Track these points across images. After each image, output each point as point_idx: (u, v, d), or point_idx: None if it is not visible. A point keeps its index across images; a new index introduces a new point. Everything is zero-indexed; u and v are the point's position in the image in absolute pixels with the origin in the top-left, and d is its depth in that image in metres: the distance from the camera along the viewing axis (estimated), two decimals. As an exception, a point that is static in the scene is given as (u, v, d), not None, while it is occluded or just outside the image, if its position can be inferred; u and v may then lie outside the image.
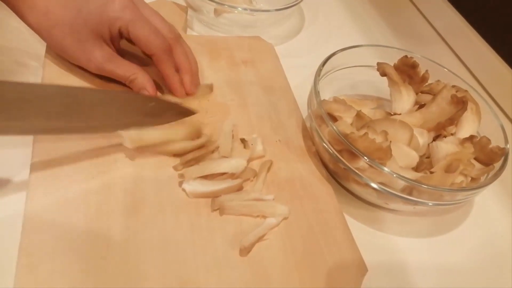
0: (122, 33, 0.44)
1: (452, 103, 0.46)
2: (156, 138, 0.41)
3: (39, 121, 0.36)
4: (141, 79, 0.45)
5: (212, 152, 0.43)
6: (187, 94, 0.48)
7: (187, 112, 0.44)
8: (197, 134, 0.43)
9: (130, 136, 0.40)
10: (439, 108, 0.46)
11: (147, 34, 0.43)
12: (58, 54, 0.46)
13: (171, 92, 0.47)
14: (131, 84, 0.45)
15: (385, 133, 0.43)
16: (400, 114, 0.48)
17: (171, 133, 0.42)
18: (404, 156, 0.43)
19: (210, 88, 0.50)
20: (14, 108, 0.35)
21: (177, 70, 0.47)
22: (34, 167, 0.38)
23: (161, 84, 0.48)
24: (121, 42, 0.48)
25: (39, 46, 0.49)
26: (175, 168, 0.41)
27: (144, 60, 0.48)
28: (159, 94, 0.47)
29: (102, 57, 0.44)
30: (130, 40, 0.45)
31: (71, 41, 0.43)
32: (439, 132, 0.48)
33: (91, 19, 0.42)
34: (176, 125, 0.43)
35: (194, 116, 0.44)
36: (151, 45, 0.43)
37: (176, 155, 0.42)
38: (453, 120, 0.46)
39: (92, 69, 0.45)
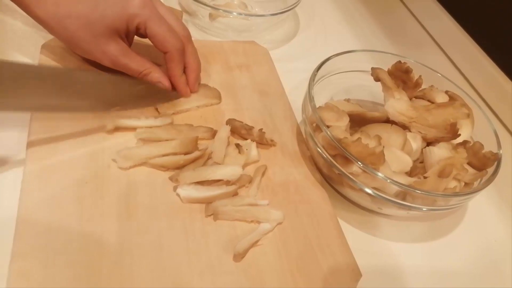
0: (139, 29, 0.45)
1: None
2: (150, 153, 0.41)
3: (36, 99, 0.38)
4: (156, 73, 0.46)
5: (207, 159, 0.43)
6: (191, 91, 0.49)
7: (171, 96, 0.47)
8: (192, 148, 0.43)
9: (124, 155, 0.40)
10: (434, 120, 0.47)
11: (164, 32, 0.44)
12: (68, 45, 0.46)
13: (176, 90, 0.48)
14: (145, 77, 0.46)
15: (379, 138, 0.43)
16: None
17: (165, 147, 0.42)
18: (397, 161, 0.43)
19: (218, 97, 0.50)
20: (11, 86, 0.36)
21: (185, 68, 0.48)
22: (27, 171, 0.38)
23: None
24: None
25: (33, 50, 0.49)
26: (171, 178, 0.41)
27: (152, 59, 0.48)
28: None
29: (117, 51, 0.44)
30: (144, 37, 0.46)
31: (85, 33, 0.43)
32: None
33: (109, 14, 0.43)
34: (170, 138, 0.43)
35: (189, 131, 0.45)
36: (167, 43, 0.45)
37: (170, 168, 0.42)
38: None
39: (106, 62, 0.45)
